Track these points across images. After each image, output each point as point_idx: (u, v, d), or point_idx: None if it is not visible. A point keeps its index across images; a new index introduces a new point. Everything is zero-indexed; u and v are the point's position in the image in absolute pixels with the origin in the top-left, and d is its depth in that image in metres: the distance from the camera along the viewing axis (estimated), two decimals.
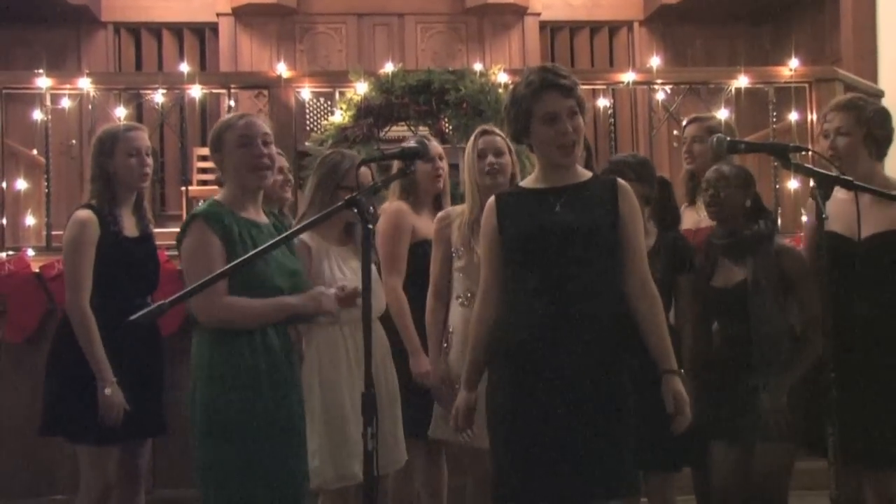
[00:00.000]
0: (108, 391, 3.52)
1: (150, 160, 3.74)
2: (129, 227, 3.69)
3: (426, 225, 4.00)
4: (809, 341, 3.44)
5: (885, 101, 7.37)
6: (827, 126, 3.55)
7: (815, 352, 3.35)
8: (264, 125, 3.24)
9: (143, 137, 3.76)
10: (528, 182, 3.05)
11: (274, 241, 2.77)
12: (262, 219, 3.27)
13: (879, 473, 3.43)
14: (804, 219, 3.73)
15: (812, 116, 6.65)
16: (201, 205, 3.22)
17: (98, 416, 3.53)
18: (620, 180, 3.00)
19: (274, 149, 3.26)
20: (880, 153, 3.53)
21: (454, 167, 5.50)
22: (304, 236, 3.41)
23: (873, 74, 8.32)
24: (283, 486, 3.06)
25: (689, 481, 3.81)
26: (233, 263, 2.71)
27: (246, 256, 2.71)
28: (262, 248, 2.70)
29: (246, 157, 3.16)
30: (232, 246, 3.05)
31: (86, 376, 3.55)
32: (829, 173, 2.68)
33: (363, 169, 3.56)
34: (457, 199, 4.27)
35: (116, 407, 3.53)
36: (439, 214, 3.87)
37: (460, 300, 3.72)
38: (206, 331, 3.08)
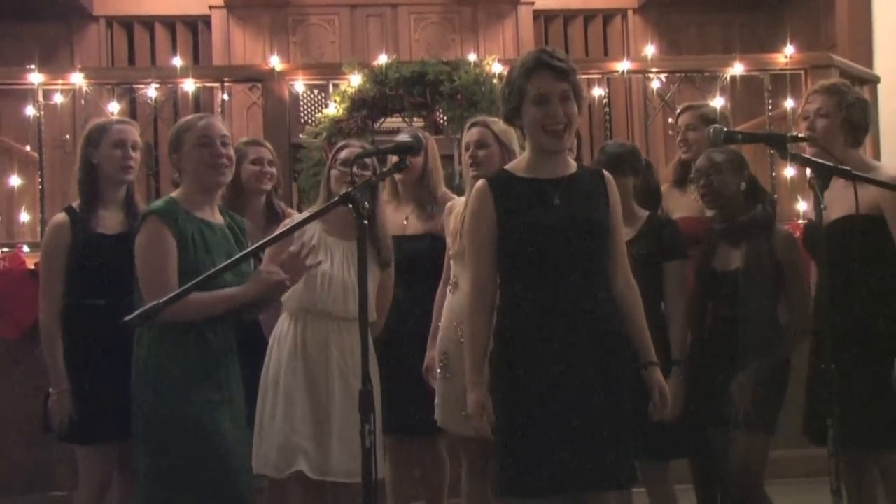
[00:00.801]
0: (55, 398, 3.55)
1: (135, 154, 3.71)
2: (113, 225, 3.64)
3: (410, 220, 3.99)
4: (792, 334, 3.44)
5: (881, 87, 7.40)
6: (808, 107, 3.57)
7: (793, 344, 3.37)
8: (223, 127, 3.35)
9: (131, 131, 3.74)
10: (518, 168, 2.99)
11: (265, 240, 2.75)
12: (217, 219, 3.34)
13: (885, 454, 3.44)
14: (801, 207, 3.72)
15: None
16: (157, 201, 3.30)
17: (94, 413, 3.52)
18: (606, 172, 3.01)
19: (231, 150, 3.34)
20: (856, 140, 3.53)
21: (449, 158, 5.48)
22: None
23: (868, 60, 8.30)
24: (222, 484, 3.11)
25: (687, 471, 3.82)
26: (217, 268, 2.67)
27: (235, 258, 2.74)
28: (250, 248, 2.77)
29: (206, 155, 3.23)
30: (184, 245, 3.13)
31: (76, 377, 3.55)
32: (828, 163, 2.67)
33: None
34: (453, 189, 4.26)
35: (61, 414, 3.55)
36: (448, 205, 3.85)
37: (448, 287, 3.74)
38: (147, 331, 3.13)
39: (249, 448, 3.38)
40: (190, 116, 3.45)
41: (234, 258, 2.77)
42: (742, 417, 3.40)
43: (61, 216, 3.63)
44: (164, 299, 2.37)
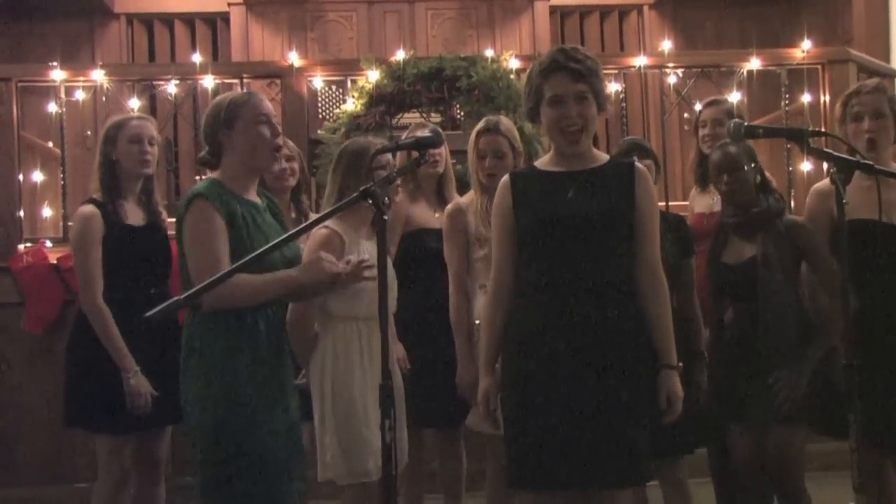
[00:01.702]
0: (132, 381, 3.52)
1: (152, 149, 3.73)
2: (135, 217, 3.67)
3: (423, 213, 3.97)
4: (825, 327, 3.39)
5: None
6: (858, 109, 3.51)
7: (831, 338, 3.31)
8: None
9: (148, 126, 3.74)
10: (542, 162, 2.99)
11: (299, 228, 2.72)
12: (258, 200, 3.17)
13: None
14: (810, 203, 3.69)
15: (825, 98, 6.57)
16: (200, 183, 3.08)
17: (115, 405, 3.53)
18: (638, 164, 2.95)
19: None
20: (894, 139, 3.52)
21: (464, 153, 5.46)
22: (337, 228, 3.32)
23: (886, 54, 8.22)
24: (267, 471, 2.97)
25: (704, 463, 3.79)
26: (258, 251, 2.60)
27: (281, 238, 2.62)
28: (287, 234, 2.64)
29: (266, 135, 3.06)
30: (236, 227, 2.95)
31: (102, 367, 3.56)
32: (849, 157, 2.64)
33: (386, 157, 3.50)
34: (466, 185, 4.24)
35: (143, 395, 3.53)
36: (449, 208, 3.81)
37: (484, 289, 3.63)
38: (199, 316, 2.97)
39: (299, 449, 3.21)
40: (234, 93, 3.24)
41: (280, 238, 2.63)
42: (788, 412, 3.35)
43: (90, 208, 3.62)
44: (185, 294, 2.34)
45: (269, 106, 3.12)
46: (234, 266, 2.51)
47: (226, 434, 2.90)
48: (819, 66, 6.75)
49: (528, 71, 2.98)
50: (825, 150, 2.72)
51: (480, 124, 3.81)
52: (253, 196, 3.14)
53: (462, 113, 6.21)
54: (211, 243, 2.90)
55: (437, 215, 3.99)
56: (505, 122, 3.80)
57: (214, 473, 2.93)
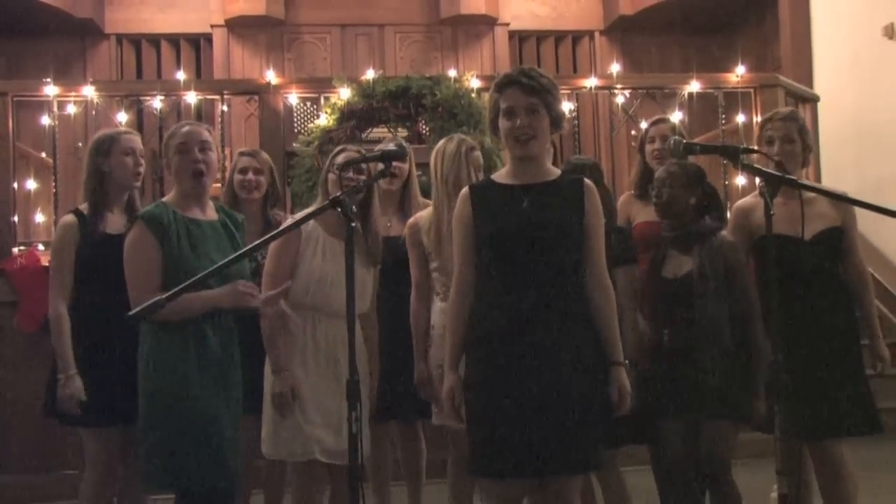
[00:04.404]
0: (66, 383, 3.47)
1: (143, 161, 3.69)
2: (116, 226, 3.61)
3: (393, 223, 3.96)
4: (756, 342, 3.43)
5: (821, 105, 7.47)
6: (771, 133, 3.62)
7: (765, 353, 3.37)
8: (207, 133, 3.30)
9: (138, 140, 3.73)
10: (500, 175, 2.99)
11: (262, 239, 2.73)
12: (209, 216, 3.29)
13: (821, 443, 3.49)
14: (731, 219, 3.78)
15: (756, 118, 6.66)
16: (149, 207, 3.27)
17: (97, 399, 3.48)
18: (587, 180, 2.97)
19: (213, 156, 3.29)
20: (806, 161, 3.66)
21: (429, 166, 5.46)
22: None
23: (809, 80, 8.38)
24: (212, 464, 3.10)
25: (645, 454, 3.82)
26: (207, 271, 2.66)
27: (227, 259, 2.71)
28: (247, 248, 2.69)
29: (184, 161, 3.20)
30: (168, 244, 3.10)
31: (84, 363, 3.50)
32: (777, 173, 2.68)
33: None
34: (428, 195, 4.23)
35: (73, 397, 3.47)
36: (409, 222, 3.79)
37: (440, 296, 3.66)
38: (148, 326, 3.11)
39: (244, 432, 3.36)
40: (180, 123, 3.39)
41: (225, 260, 2.73)
42: (720, 409, 3.39)
43: (69, 217, 3.59)
44: (165, 295, 2.34)
45: (198, 134, 3.25)
46: (189, 281, 2.55)
47: (170, 419, 3.06)
48: (751, 90, 6.86)
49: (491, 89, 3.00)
50: (755, 166, 2.76)
51: (467, 144, 3.76)
52: (200, 213, 3.26)
53: (427, 128, 6.22)
54: (142, 264, 3.11)
55: (388, 224, 3.96)
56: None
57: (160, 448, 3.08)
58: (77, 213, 3.59)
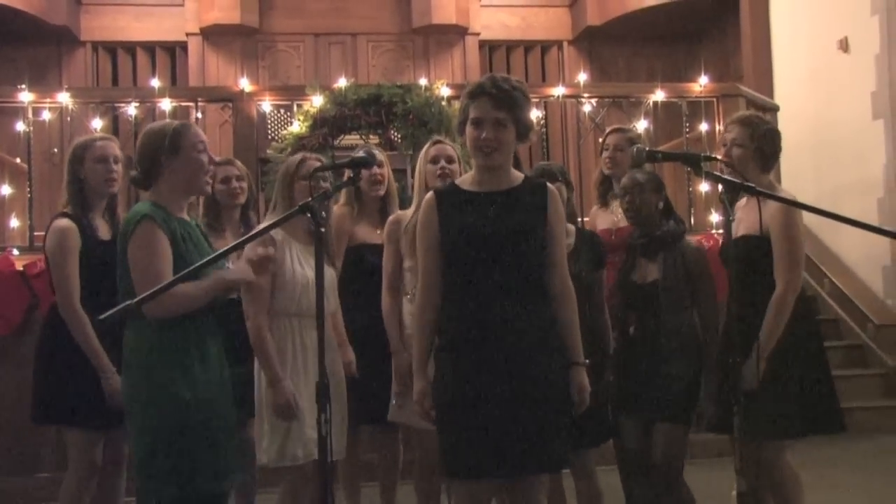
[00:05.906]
0: (111, 380, 3.43)
1: (117, 167, 3.64)
2: (102, 231, 3.60)
3: (366, 230, 3.95)
4: (711, 345, 3.46)
5: (780, 115, 7.54)
6: (725, 136, 3.58)
7: (712, 345, 3.42)
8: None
9: (112, 147, 3.67)
10: (464, 181, 2.97)
11: (244, 238, 2.72)
12: (188, 219, 3.19)
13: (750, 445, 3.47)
14: (714, 219, 3.77)
15: (719, 127, 6.73)
16: (142, 205, 3.05)
17: (89, 403, 3.44)
18: (550, 185, 2.97)
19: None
20: (767, 166, 3.51)
21: (402, 172, 5.45)
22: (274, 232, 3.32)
23: (770, 91, 8.47)
24: (205, 471, 2.95)
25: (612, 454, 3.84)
26: (202, 261, 2.63)
27: (221, 251, 2.67)
28: (231, 245, 2.65)
29: (203, 163, 3.07)
30: (176, 244, 2.96)
31: (75, 366, 3.47)
32: (736, 180, 2.69)
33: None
34: (405, 202, 4.23)
35: (118, 394, 3.42)
36: (391, 217, 3.80)
37: (409, 297, 3.66)
38: (143, 325, 2.93)
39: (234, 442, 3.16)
40: (174, 121, 3.23)
41: (219, 252, 2.68)
42: (673, 411, 3.44)
43: (66, 221, 3.52)
44: (136, 299, 2.31)
45: (204, 135, 3.16)
46: (175, 277, 2.50)
47: (164, 431, 2.88)
48: (714, 99, 6.93)
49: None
50: (715, 173, 2.78)
51: (431, 139, 3.84)
52: (184, 216, 3.16)
53: (398, 136, 6.22)
54: (157, 261, 2.91)
55: (378, 232, 3.96)
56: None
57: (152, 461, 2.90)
58: (70, 216, 3.54)
